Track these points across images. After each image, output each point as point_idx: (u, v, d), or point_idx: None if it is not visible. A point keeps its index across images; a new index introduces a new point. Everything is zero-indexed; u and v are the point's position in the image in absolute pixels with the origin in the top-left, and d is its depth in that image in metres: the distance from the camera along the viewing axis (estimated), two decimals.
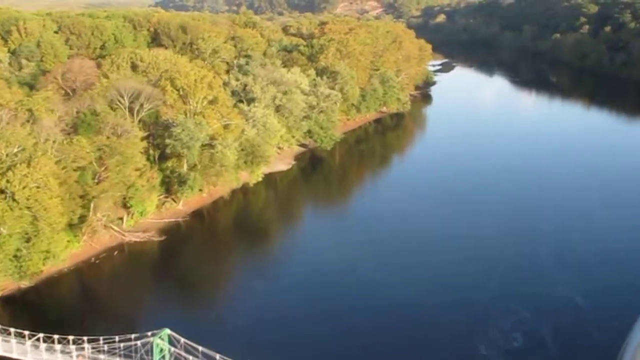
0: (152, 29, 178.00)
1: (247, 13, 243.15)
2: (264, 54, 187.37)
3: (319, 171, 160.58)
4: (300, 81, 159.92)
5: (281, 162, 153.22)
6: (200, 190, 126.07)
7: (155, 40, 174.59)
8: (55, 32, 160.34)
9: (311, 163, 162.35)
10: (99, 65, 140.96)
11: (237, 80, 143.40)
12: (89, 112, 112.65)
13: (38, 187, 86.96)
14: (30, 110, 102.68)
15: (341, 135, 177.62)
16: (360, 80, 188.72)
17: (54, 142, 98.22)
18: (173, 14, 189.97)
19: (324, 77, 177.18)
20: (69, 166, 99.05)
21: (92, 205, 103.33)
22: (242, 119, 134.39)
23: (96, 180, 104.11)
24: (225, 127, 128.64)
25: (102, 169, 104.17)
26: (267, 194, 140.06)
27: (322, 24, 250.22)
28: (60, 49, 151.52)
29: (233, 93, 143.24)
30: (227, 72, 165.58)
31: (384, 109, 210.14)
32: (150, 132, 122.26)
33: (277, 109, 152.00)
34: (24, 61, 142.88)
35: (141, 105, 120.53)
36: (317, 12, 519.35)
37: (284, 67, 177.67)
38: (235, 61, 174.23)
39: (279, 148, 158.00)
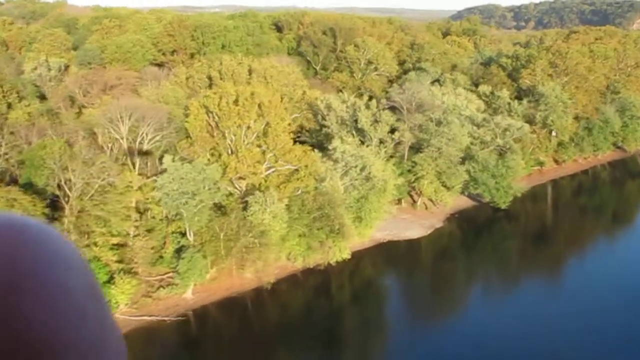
0: (302, 33, 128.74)
1: (472, 19, 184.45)
2: (453, 67, 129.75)
3: (485, 242, 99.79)
4: (463, 105, 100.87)
5: (417, 224, 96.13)
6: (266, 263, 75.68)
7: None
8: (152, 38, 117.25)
9: (473, 227, 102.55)
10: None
11: (345, 102, 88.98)
12: (39, 145, 67.19)
13: None
14: None
15: (535, 184, 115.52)
16: (584, 107, 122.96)
17: None
18: (333, 15, 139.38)
19: (524, 101, 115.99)
20: None
21: None
22: (328, 161, 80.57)
23: None
24: (294, 174, 76.37)
25: None
26: (363, 279, 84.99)
27: (572, 32, 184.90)
28: (138, 53, 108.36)
29: (342, 122, 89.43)
30: (385, 91, 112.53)
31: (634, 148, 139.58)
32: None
33: (419, 147, 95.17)
34: (73, 68, 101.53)
35: (144, 135, 72.65)
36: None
37: (474, 85, 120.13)
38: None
39: (431, 201, 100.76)
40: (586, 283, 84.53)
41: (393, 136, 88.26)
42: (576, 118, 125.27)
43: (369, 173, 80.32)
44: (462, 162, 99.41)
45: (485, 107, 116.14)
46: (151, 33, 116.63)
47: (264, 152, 75.01)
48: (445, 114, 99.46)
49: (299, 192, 78.01)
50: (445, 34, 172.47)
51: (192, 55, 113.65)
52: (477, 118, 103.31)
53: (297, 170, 77.56)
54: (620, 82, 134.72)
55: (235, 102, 74.52)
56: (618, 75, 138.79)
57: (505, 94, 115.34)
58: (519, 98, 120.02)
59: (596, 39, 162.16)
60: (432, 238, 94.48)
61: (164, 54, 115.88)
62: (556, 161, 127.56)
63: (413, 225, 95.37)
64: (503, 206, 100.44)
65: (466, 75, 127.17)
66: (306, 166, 77.88)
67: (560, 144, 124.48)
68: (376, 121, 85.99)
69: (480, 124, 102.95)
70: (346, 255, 79.76)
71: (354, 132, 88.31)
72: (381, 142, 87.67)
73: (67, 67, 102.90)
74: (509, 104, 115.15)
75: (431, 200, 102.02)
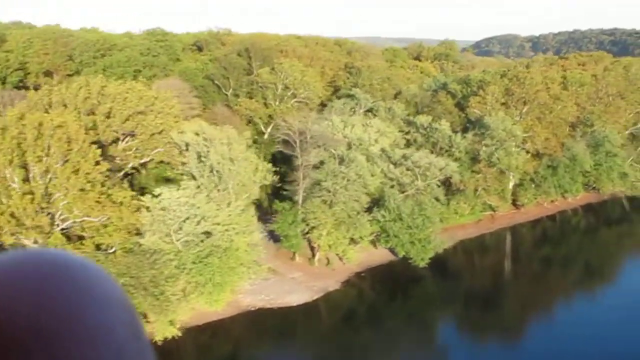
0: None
1: (447, 43, 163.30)
2: (396, 95, 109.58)
3: (398, 310, 78.00)
4: (370, 139, 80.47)
5: (305, 286, 75.46)
6: None
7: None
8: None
9: (385, 289, 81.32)
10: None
11: (199, 134, 69.24)
12: None
13: None
14: None
15: (484, 232, 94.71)
16: (546, 142, 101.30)
17: None
18: (261, 35, 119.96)
19: (469, 134, 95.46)
20: None
21: None
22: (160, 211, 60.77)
23: None
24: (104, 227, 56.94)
25: None
26: (214, 358, 64.30)
27: (561, 58, 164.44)
28: None
29: (199, 157, 69.59)
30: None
31: (615, 189, 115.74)
32: None
33: (319, 191, 75.01)
34: None
35: None
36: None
37: (416, 113, 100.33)
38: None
39: (339, 256, 79.97)
40: None
41: (254, 179, 67.76)
42: (537, 155, 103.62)
43: (205, 227, 60.06)
44: (370, 210, 78.65)
45: (424, 141, 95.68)
46: (32, 51, 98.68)
47: (49, 200, 55.28)
48: (351, 150, 79.14)
49: (112, 250, 58.30)
50: (417, 59, 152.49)
51: (69, 78, 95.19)
52: (394, 155, 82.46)
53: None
54: (596, 113, 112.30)
55: (17, 135, 55.24)
56: (597, 105, 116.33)
57: (444, 125, 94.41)
58: (466, 131, 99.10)
59: (579, 65, 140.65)
60: (320, 305, 73.35)
61: (37, 75, 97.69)
62: (516, 205, 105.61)
63: (299, 288, 74.57)
64: (421, 264, 78.99)
65: (410, 103, 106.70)
66: (120, 218, 58.12)
67: (520, 184, 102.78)
68: (230, 159, 65.62)
69: (398, 163, 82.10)
70: (171, 332, 59.33)
71: (214, 172, 68.18)
72: (243, 185, 67.31)
73: None
74: (449, 137, 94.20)
75: (338, 254, 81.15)
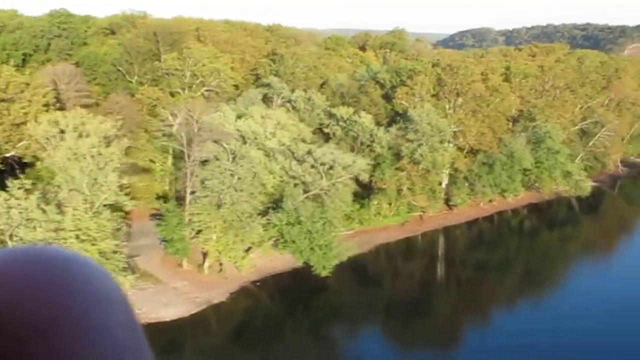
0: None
1: (397, 32, 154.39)
2: (323, 84, 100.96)
3: (297, 325, 69.69)
4: (265, 133, 71.80)
5: (186, 297, 66.60)
6: None
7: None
8: None
9: (283, 301, 72.98)
10: None
11: (54, 123, 60.27)
12: None
13: None
14: None
15: (409, 235, 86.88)
16: (480, 137, 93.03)
17: None
18: (180, 19, 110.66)
19: (393, 128, 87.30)
20: None
21: None
22: None
23: None
24: None
25: None
26: None
27: (517, 49, 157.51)
28: None
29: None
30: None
31: (559, 188, 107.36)
32: None
33: (204, 190, 66.23)
34: None
35: None
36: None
37: (342, 105, 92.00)
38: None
39: (235, 263, 71.22)
40: None
41: (110, 178, 58.75)
42: (472, 151, 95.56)
43: (42, 234, 51.06)
44: (265, 213, 69.98)
45: (343, 135, 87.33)
46: None
47: None
48: (245, 145, 70.43)
49: None
50: (362, 48, 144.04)
51: None
52: (297, 150, 73.74)
53: None
54: (539, 107, 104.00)
55: None
56: (544, 97, 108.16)
57: (365, 118, 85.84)
58: (392, 124, 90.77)
59: (530, 55, 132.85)
60: (200, 320, 64.44)
61: None
62: (449, 205, 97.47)
63: (178, 300, 65.71)
64: (323, 273, 70.21)
65: (335, 93, 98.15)
66: None
67: (453, 183, 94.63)
68: (90, 155, 56.62)
69: (302, 159, 73.37)
70: None
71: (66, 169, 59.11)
72: (101, 185, 58.32)
73: None
74: (371, 131, 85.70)
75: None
